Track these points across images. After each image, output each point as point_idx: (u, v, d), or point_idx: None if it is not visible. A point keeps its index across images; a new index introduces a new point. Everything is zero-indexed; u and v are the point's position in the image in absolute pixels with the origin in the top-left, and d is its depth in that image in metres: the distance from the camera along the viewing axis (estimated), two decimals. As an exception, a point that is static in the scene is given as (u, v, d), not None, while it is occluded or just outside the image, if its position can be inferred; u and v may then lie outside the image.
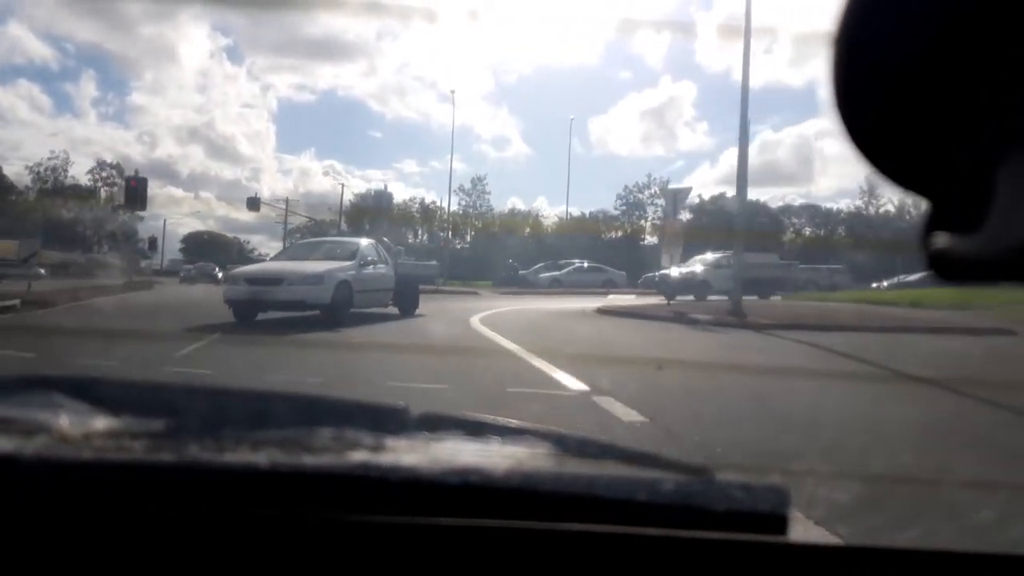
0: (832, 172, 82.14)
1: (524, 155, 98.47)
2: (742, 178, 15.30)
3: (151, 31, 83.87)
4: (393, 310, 13.49)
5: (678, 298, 19.58)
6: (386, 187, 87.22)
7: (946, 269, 0.47)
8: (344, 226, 51.41)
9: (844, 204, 58.63)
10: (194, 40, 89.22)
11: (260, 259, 44.25)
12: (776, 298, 21.10)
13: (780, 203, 56.26)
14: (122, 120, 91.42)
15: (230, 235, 69.48)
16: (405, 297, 13.81)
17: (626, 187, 57.64)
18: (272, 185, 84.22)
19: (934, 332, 11.59)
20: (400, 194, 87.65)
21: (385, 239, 14.90)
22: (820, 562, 0.76)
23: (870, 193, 54.00)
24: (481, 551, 0.72)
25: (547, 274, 33.56)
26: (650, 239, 49.96)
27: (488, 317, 13.29)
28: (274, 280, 11.27)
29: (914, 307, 16.85)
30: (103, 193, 58.63)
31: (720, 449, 3.86)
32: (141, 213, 49.78)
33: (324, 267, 11.71)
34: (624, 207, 56.27)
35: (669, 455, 0.95)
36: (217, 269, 40.02)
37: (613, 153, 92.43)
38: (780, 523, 0.74)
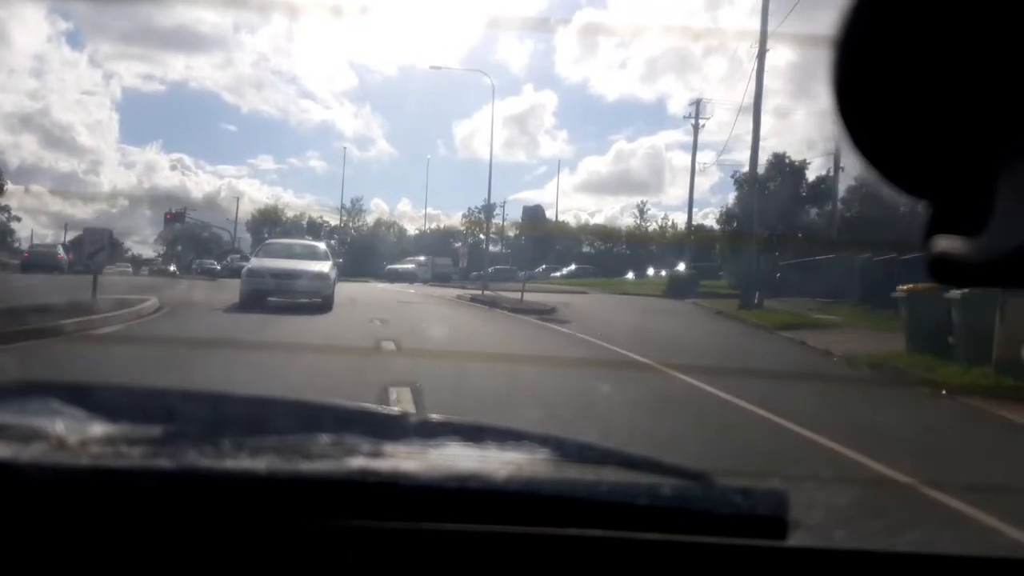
0: (680, 182, 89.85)
1: (388, 155, 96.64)
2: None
3: (-22, 10, 75.18)
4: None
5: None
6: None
7: (946, 273, 0.47)
8: (247, 233, 64.51)
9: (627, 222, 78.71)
10: (28, 22, 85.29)
11: (147, 260, 48.22)
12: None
13: (579, 222, 76.03)
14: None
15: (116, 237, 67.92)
16: None
17: (470, 208, 76.21)
18: (114, 178, 78.61)
19: (553, 292, 30.71)
20: (256, 192, 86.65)
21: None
22: (819, 566, 0.77)
23: (641, 215, 75.62)
24: (481, 556, 0.73)
25: (407, 272, 52.00)
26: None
27: (378, 287, 31.77)
28: (294, 276, 13.99)
29: (589, 285, 35.93)
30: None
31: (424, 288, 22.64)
32: (18, 214, 55.84)
33: (323, 267, 14.73)
34: (468, 223, 74.96)
35: (669, 460, 0.94)
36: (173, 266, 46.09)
37: (477, 157, 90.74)
38: (779, 527, 0.75)
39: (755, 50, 21.56)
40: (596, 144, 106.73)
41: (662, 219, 76.32)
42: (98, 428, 0.86)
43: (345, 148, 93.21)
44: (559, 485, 0.79)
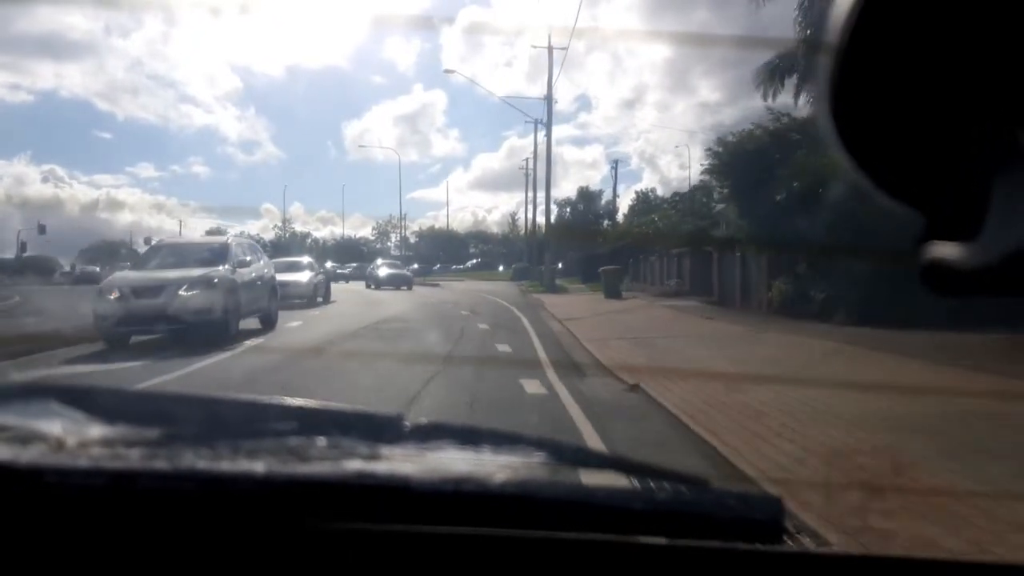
0: (572, 176, 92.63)
1: (276, 158, 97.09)
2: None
3: None
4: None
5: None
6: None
7: (940, 279, 0.47)
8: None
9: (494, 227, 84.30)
10: None
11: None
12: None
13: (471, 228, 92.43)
14: None
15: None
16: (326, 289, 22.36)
17: (378, 221, 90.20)
18: (-21, 193, 71.35)
19: (443, 280, 51.36)
20: (137, 201, 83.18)
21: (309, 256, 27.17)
22: (815, 570, 0.78)
23: (512, 221, 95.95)
24: (478, 559, 0.74)
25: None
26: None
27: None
28: (281, 285, 16.17)
29: (467, 275, 57.00)
30: None
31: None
32: None
33: (303, 277, 19.79)
34: (377, 234, 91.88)
35: (666, 465, 0.95)
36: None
37: (370, 158, 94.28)
38: (775, 532, 0.75)
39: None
40: (488, 141, 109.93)
41: (528, 223, 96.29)
42: (96, 430, 0.86)
43: (283, 206, 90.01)
44: (555, 488, 0.79)
